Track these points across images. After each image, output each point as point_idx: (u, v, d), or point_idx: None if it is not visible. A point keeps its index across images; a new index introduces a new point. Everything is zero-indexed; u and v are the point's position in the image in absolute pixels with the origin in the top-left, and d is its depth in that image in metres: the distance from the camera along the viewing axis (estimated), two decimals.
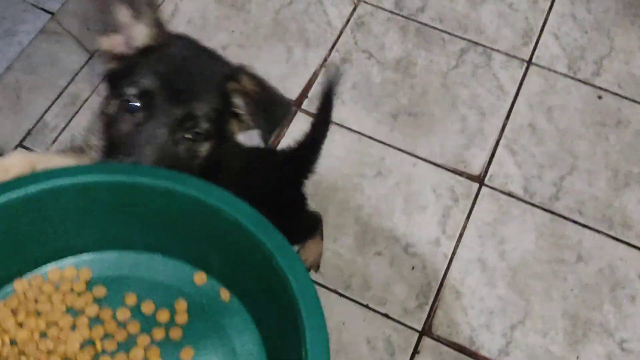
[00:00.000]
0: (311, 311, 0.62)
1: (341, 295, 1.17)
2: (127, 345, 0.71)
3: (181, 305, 0.74)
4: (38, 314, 0.72)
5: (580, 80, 1.42)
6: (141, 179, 0.69)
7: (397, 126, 1.36)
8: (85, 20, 1.49)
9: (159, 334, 0.72)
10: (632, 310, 1.16)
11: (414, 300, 1.17)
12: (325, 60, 1.43)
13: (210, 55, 0.81)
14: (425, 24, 1.49)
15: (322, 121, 1.07)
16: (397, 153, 1.33)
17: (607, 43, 1.46)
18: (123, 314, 0.73)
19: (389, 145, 1.33)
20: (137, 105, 0.74)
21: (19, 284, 0.74)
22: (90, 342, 0.71)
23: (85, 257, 0.76)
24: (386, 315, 1.15)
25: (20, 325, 0.71)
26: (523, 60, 1.44)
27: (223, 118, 0.78)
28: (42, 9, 1.52)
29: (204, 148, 0.77)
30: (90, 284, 0.75)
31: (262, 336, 0.72)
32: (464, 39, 1.47)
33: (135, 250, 0.76)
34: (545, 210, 1.26)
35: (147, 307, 0.73)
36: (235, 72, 0.77)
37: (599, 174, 1.30)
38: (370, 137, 1.34)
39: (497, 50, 1.45)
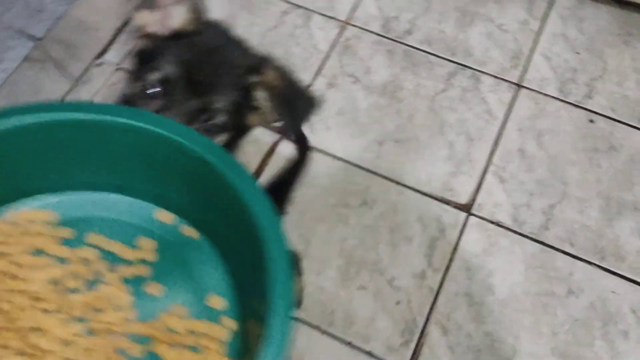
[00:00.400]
0: (273, 238, 0.62)
1: (324, 332, 1.14)
2: (94, 283, 0.71)
3: (147, 243, 0.74)
4: (1, 254, 0.71)
5: (571, 104, 1.38)
6: (103, 116, 0.68)
7: (383, 153, 1.33)
8: (69, 47, 1.48)
9: (126, 271, 0.72)
10: (625, 347, 1.12)
11: (399, 336, 1.13)
12: (310, 85, 1.41)
13: (238, 46, 0.80)
14: (413, 47, 1.46)
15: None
16: (383, 181, 1.29)
17: (599, 64, 1.42)
18: (89, 253, 0.73)
19: (375, 173, 1.30)
20: (157, 91, 0.75)
21: None
22: (57, 281, 0.71)
23: (49, 199, 0.75)
24: (370, 353, 1.12)
25: None
26: (512, 83, 1.40)
27: (242, 111, 0.78)
28: (28, 35, 1.51)
29: (220, 139, 0.78)
30: (54, 225, 0.74)
31: (230, 270, 0.72)
32: (452, 61, 1.43)
33: (99, 191, 0.76)
34: (534, 240, 1.22)
35: (113, 246, 0.73)
36: (260, 64, 0.77)
37: (590, 202, 1.26)
38: (355, 165, 1.31)
39: (486, 73, 1.41)
